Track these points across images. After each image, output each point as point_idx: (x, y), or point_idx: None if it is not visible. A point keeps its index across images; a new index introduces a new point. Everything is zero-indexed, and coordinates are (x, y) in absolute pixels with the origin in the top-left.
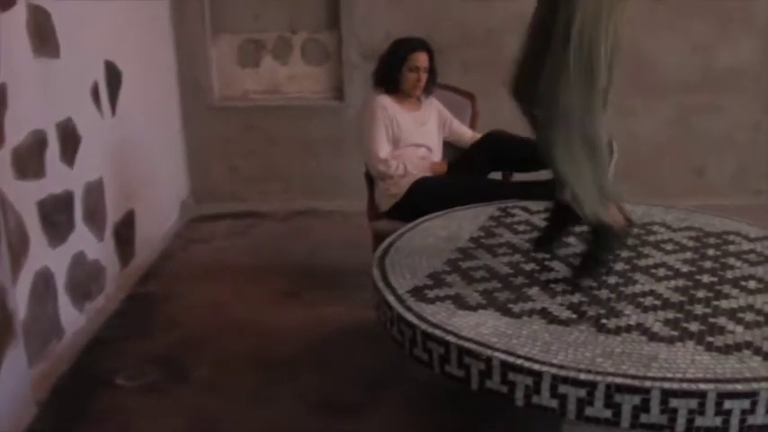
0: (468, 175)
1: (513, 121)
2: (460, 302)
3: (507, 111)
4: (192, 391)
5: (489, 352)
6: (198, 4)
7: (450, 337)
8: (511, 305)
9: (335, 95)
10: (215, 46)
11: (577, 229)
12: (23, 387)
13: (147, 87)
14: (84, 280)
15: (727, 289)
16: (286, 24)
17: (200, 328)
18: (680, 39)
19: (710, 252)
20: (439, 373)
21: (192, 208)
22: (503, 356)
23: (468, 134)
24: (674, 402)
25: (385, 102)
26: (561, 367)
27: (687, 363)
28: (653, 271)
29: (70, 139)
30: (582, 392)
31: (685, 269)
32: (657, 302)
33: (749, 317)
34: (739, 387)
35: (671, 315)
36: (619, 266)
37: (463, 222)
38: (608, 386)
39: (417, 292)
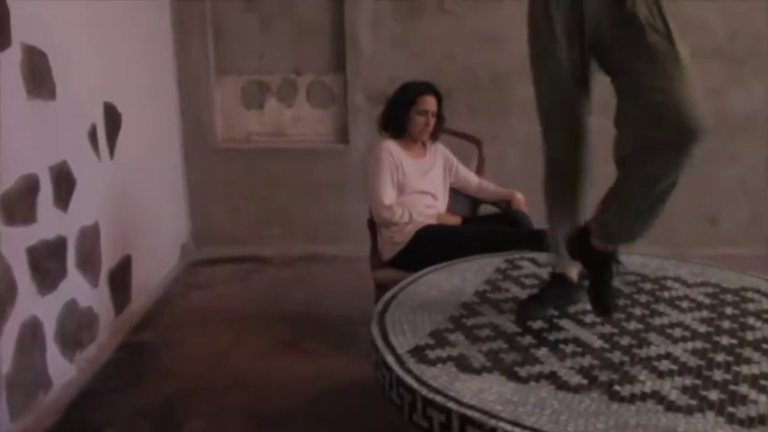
0: (475, 223)
1: (520, 168)
2: (463, 364)
3: (514, 156)
4: None
5: (494, 422)
6: (202, 44)
7: (451, 404)
8: (517, 368)
9: (340, 138)
10: (219, 87)
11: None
12: None
13: (147, 129)
14: (76, 329)
15: (747, 352)
16: (291, 66)
17: (196, 379)
18: None
19: (728, 311)
20: None
21: (193, 251)
22: (508, 427)
23: (474, 181)
24: None
25: (391, 147)
26: None
27: None
28: (668, 331)
29: (65, 183)
30: None
31: (702, 329)
32: (674, 367)
33: None
34: None
35: (688, 381)
36: (632, 326)
37: (468, 275)
38: None
39: (418, 352)
